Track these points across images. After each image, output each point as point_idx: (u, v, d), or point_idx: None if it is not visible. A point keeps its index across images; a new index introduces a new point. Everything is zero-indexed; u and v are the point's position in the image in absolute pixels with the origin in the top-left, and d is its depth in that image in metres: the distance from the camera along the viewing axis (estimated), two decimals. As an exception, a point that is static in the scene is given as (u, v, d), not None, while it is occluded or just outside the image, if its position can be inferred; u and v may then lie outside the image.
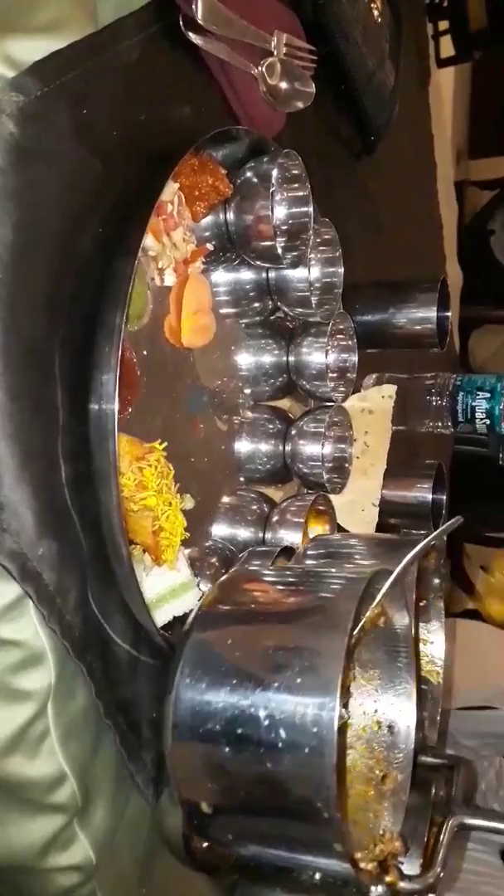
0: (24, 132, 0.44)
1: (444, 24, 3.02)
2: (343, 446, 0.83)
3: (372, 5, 0.90)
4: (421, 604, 0.70)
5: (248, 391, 0.80)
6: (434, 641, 0.74)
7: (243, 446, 0.79)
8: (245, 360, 0.80)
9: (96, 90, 0.49)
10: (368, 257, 1.02)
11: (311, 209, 0.69)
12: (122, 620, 0.55)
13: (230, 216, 0.67)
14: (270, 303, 0.77)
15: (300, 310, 0.76)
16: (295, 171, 0.68)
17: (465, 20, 2.84)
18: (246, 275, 0.74)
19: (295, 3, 0.78)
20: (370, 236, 1.05)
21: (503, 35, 2.88)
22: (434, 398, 1.02)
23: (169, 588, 0.57)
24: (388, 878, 0.52)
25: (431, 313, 0.91)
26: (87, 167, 0.49)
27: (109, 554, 0.52)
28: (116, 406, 0.48)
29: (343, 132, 0.95)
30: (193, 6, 0.55)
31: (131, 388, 0.55)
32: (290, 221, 0.70)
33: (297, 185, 0.69)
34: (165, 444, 0.55)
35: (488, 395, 0.97)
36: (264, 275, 0.75)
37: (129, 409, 0.55)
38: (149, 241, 0.55)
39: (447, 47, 3.08)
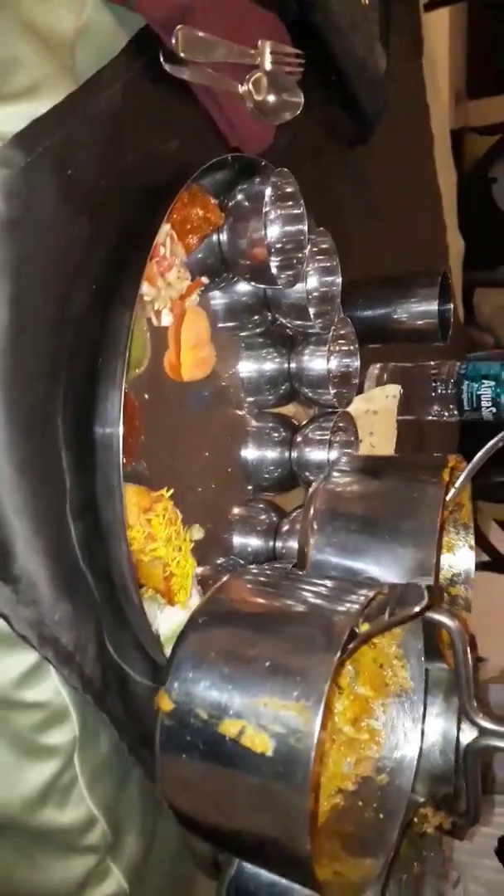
0: (10, 206, 0.44)
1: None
2: (349, 451, 0.84)
3: (359, -12, 0.87)
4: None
5: (251, 399, 0.80)
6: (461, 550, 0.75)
7: (250, 454, 0.79)
8: (246, 369, 0.80)
9: (81, 147, 0.49)
10: (368, 247, 1.01)
11: (305, 226, 0.68)
12: (140, 657, 0.56)
13: (223, 240, 0.66)
14: (269, 315, 0.77)
15: (299, 322, 0.76)
16: (288, 189, 0.67)
17: (459, -42, 2.73)
18: (242, 291, 0.74)
19: (279, 3, 0.76)
20: (369, 225, 1.04)
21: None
22: (439, 386, 1.02)
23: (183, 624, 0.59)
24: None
25: (433, 307, 0.90)
26: (76, 228, 0.49)
27: (122, 601, 0.53)
28: (121, 461, 0.49)
29: (336, 124, 0.93)
30: (173, 39, 0.54)
31: (134, 437, 0.56)
32: (285, 240, 0.69)
33: (290, 203, 0.68)
34: (172, 490, 0.56)
35: (493, 382, 0.97)
36: (261, 290, 0.74)
37: (133, 458, 0.56)
38: (144, 287, 0.55)
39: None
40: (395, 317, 0.92)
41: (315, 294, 0.78)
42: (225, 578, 0.53)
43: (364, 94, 0.92)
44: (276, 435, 0.81)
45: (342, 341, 0.83)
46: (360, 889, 0.48)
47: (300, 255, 0.69)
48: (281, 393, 0.82)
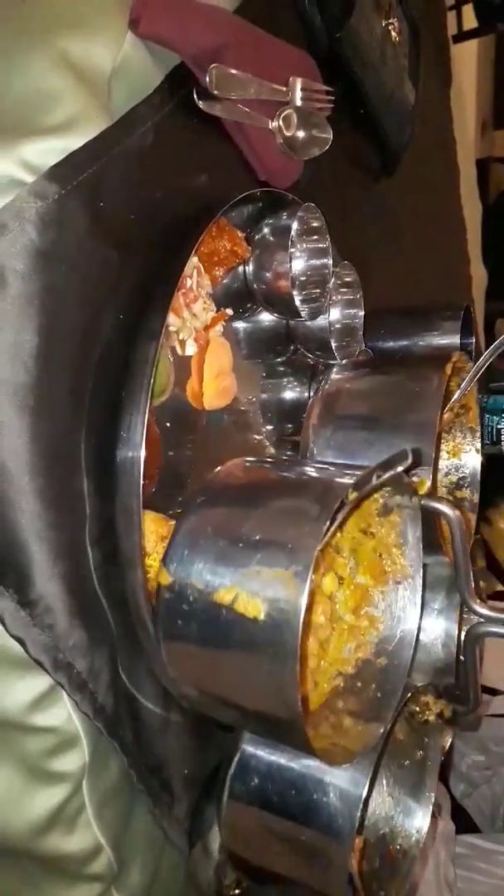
0: (43, 237, 0.45)
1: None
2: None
3: (389, 27, 0.88)
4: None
5: (270, 427, 0.80)
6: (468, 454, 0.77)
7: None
8: (267, 397, 0.80)
9: (112, 182, 0.49)
10: (391, 278, 1.02)
11: (330, 260, 0.69)
12: (152, 686, 0.56)
13: (249, 272, 0.67)
14: (291, 345, 0.78)
15: (320, 352, 0.76)
16: (314, 224, 0.68)
17: (488, -9, 2.75)
18: (265, 321, 0.75)
19: (309, 39, 0.77)
20: (392, 256, 1.04)
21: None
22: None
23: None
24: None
25: (455, 341, 0.90)
26: (105, 260, 0.49)
27: (136, 629, 0.53)
28: (141, 486, 0.49)
29: (362, 156, 0.94)
30: (207, 78, 0.55)
31: (154, 464, 0.56)
32: (309, 274, 0.69)
33: (316, 237, 0.69)
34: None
35: (513, 417, 0.96)
36: (283, 321, 0.75)
37: (152, 485, 0.56)
38: (170, 318, 0.56)
39: (470, 18, 2.99)
40: (417, 349, 0.92)
41: (337, 326, 0.79)
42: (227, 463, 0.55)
43: (391, 127, 0.93)
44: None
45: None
46: (358, 755, 0.50)
47: (324, 288, 0.70)
48: (300, 422, 0.82)
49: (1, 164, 0.44)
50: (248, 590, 0.44)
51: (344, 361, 0.74)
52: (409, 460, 0.47)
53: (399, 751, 0.67)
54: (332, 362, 0.79)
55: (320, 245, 0.68)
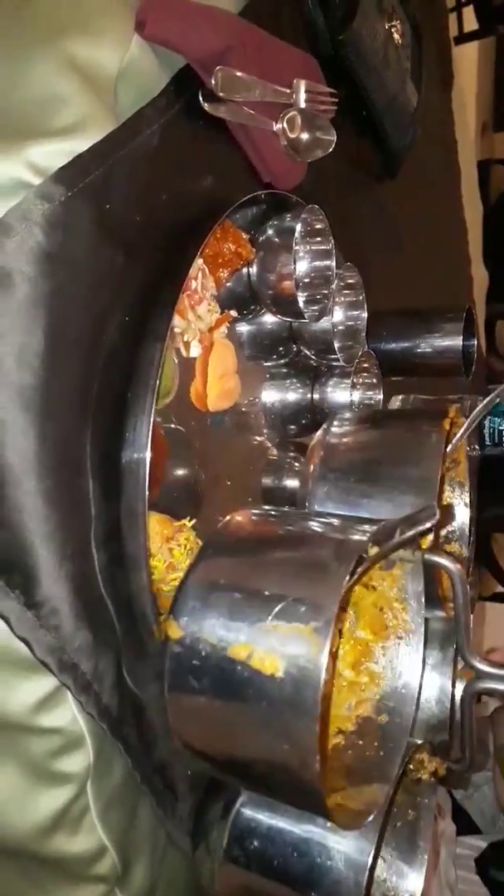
0: (49, 239, 0.45)
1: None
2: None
3: (392, 29, 0.88)
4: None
5: (273, 429, 0.81)
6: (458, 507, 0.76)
7: (270, 483, 0.80)
8: (270, 399, 0.80)
9: (118, 184, 0.50)
10: (393, 280, 1.02)
11: (333, 262, 0.69)
12: (157, 688, 0.56)
13: (253, 274, 0.67)
14: (294, 347, 0.78)
15: (323, 354, 0.77)
16: (318, 226, 0.68)
17: (489, -6, 2.75)
18: (269, 322, 0.75)
19: (312, 41, 0.78)
20: (394, 257, 1.04)
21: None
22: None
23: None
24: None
25: (457, 342, 0.90)
26: (111, 262, 0.50)
27: (141, 630, 0.53)
28: (147, 487, 0.49)
29: (364, 158, 0.94)
30: (213, 80, 0.55)
31: (159, 465, 0.56)
32: (313, 275, 0.70)
33: (319, 239, 0.69)
34: (194, 520, 0.56)
35: (515, 419, 0.97)
36: (286, 322, 0.75)
37: (157, 486, 0.56)
38: (175, 320, 0.56)
39: (470, 20, 2.99)
40: (419, 351, 0.92)
41: (340, 328, 0.79)
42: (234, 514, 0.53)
43: (392, 129, 0.93)
44: (297, 465, 0.81)
45: (365, 374, 0.84)
46: (364, 815, 0.48)
47: (327, 290, 0.70)
48: (303, 423, 0.83)
49: (8, 167, 0.44)
50: (265, 646, 0.42)
51: (346, 415, 0.73)
52: (437, 517, 0.46)
53: (392, 811, 0.64)
54: (335, 364, 0.79)
55: (324, 247, 0.69)
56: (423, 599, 0.55)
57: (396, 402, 1.04)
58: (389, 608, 0.56)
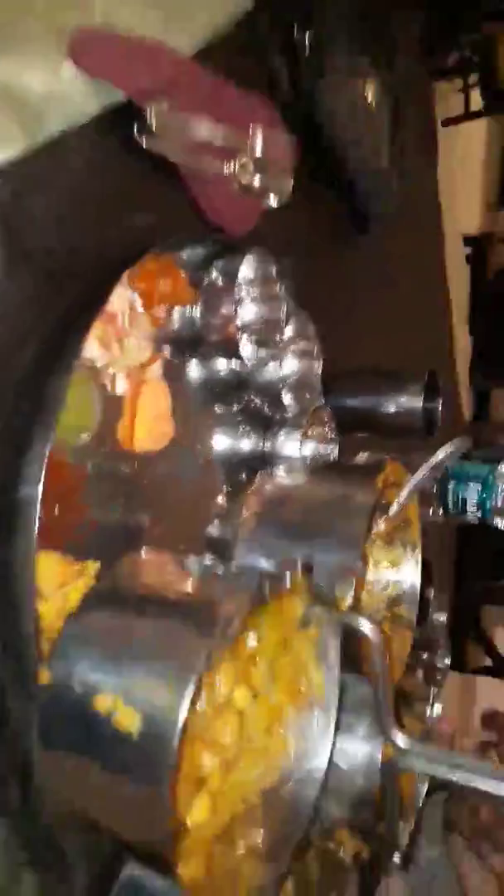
0: (-50, 257, 0.43)
1: (475, 78, 3.04)
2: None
3: (366, 90, 0.89)
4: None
5: (222, 478, 0.77)
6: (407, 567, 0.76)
7: (215, 532, 0.76)
8: (220, 445, 0.77)
9: (35, 208, 0.48)
10: (363, 340, 1.00)
11: (283, 308, 0.67)
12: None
13: (196, 315, 0.65)
14: (245, 396, 0.75)
15: (273, 404, 0.74)
16: (266, 269, 0.67)
17: (493, 77, 2.85)
18: (219, 367, 0.73)
19: (277, 94, 0.78)
20: (365, 318, 1.03)
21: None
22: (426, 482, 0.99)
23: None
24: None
25: (417, 404, 0.88)
26: (23, 290, 0.48)
27: (27, 679, 0.49)
28: (35, 529, 0.46)
29: (333, 215, 0.94)
30: (147, 115, 0.54)
31: (76, 509, 0.53)
32: (260, 323, 0.68)
33: (267, 285, 0.67)
34: (98, 564, 0.53)
35: (479, 485, 0.94)
36: (237, 368, 0.73)
37: (66, 528, 0.53)
38: (95, 351, 0.54)
39: (478, 99, 3.08)
40: (382, 409, 0.90)
41: (293, 378, 0.77)
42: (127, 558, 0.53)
43: (365, 193, 0.93)
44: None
45: (320, 428, 0.81)
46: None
47: (275, 336, 0.68)
48: (255, 472, 0.80)
49: None
50: (127, 698, 0.41)
51: (286, 467, 0.73)
52: (298, 570, 0.48)
53: (310, 892, 0.61)
54: (287, 415, 0.77)
55: (270, 291, 0.67)
56: (338, 663, 0.52)
57: (362, 459, 1.01)
58: (304, 671, 0.53)
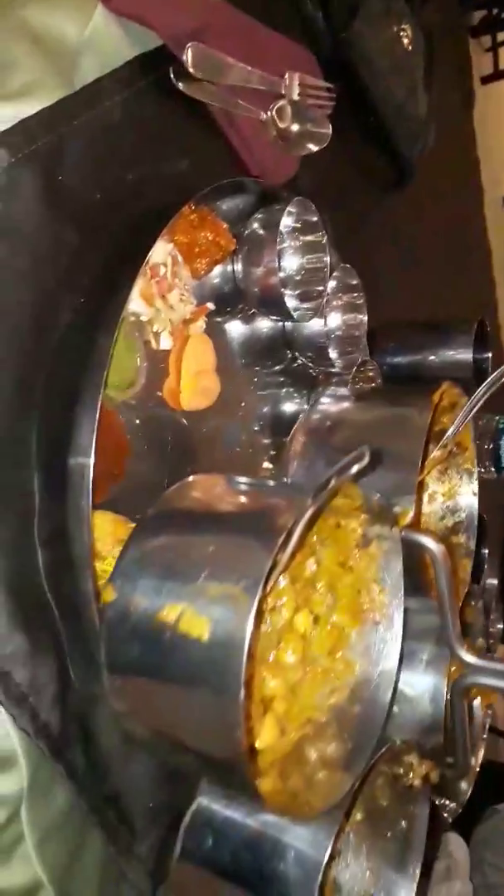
0: (-9, 207, 0.42)
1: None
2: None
3: (401, 33, 0.86)
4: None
5: (267, 441, 0.76)
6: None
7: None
8: (262, 407, 0.76)
9: (73, 156, 0.47)
10: (404, 293, 0.98)
11: (327, 259, 0.65)
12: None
13: (238, 269, 0.63)
14: (289, 353, 0.74)
15: (318, 360, 0.72)
16: (309, 219, 0.64)
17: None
18: (261, 326, 0.71)
19: (311, 38, 0.75)
20: (406, 270, 1.00)
21: None
22: (477, 441, 0.96)
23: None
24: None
25: (468, 356, 0.85)
26: (60, 238, 0.46)
27: (90, 640, 0.48)
28: (91, 487, 0.45)
29: (372, 166, 0.91)
30: (184, 56, 0.52)
31: (119, 462, 0.52)
32: (303, 272, 0.66)
33: (310, 233, 0.65)
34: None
35: (532, 440, 0.91)
36: (280, 325, 0.71)
37: (114, 486, 0.52)
38: (139, 306, 0.52)
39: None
40: (428, 364, 0.87)
41: (338, 333, 0.75)
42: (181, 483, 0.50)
43: (401, 138, 0.90)
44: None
45: (366, 384, 0.79)
46: (320, 810, 0.45)
47: (320, 288, 0.66)
48: (298, 435, 0.78)
49: None
50: (195, 607, 0.40)
51: (333, 388, 0.70)
52: (367, 459, 0.43)
53: (381, 819, 0.60)
54: (332, 371, 0.75)
55: (315, 241, 0.65)
56: (402, 581, 0.51)
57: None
58: (367, 590, 0.52)
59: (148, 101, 0.52)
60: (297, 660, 0.49)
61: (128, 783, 0.52)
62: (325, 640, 0.50)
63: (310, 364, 0.74)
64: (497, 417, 0.96)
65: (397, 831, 0.60)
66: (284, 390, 0.77)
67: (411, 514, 0.54)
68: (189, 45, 0.52)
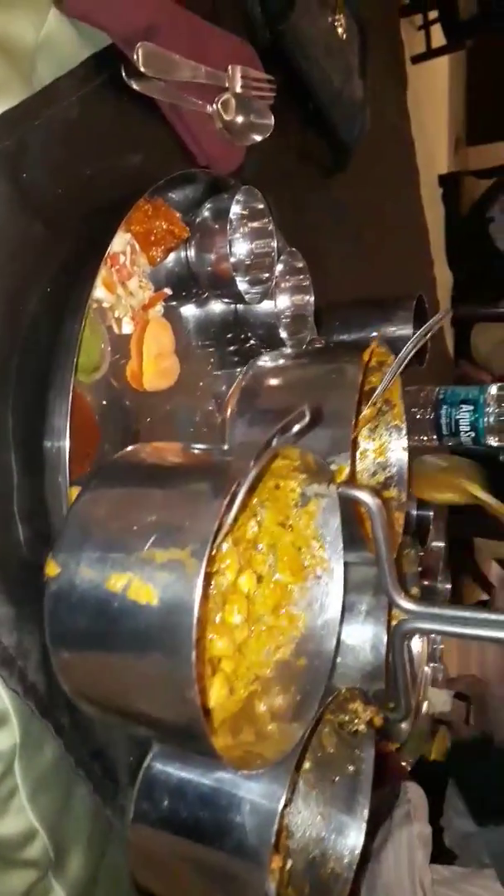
0: (-41, 204, 0.45)
1: (434, 14, 3.00)
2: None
3: (336, 23, 0.89)
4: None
5: (220, 417, 0.80)
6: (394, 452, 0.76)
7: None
8: (218, 385, 0.80)
9: (34, 153, 0.49)
10: (347, 273, 1.02)
11: (274, 244, 0.69)
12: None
13: (191, 256, 0.67)
14: (241, 334, 0.77)
15: (270, 340, 0.76)
16: (256, 206, 0.68)
17: (454, 9, 2.81)
18: (215, 309, 0.75)
19: (251, 32, 0.78)
20: (348, 252, 1.05)
21: (494, 23, 2.84)
22: (418, 411, 1.02)
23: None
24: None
25: (408, 331, 0.90)
26: (29, 232, 0.49)
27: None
28: (67, 466, 0.49)
29: (312, 152, 0.95)
30: (134, 56, 0.55)
31: (90, 442, 0.56)
32: (253, 257, 0.70)
33: (258, 220, 0.69)
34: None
35: (471, 407, 0.96)
36: (233, 307, 0.75)
37: (88, 461, 0.55)
38: (101, 293, 0.56)
39: (439, 36, 3.05)
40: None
41: (287, 314, 0.79)
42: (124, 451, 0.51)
43: (340, 123, 0.94)
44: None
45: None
46: (273, 760, 0.47)
47: (269, 272, 0.70)
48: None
49: None
50: (142, 575, 0.40)
51: (268, 354, 0.73)
52: (307, 419, 0.45)
53: (329, 765, 0.64)
54: (283, 351, 0.79)
55: (262, 227, 0.69)
56: (340, 535, 0.54)
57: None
58: (307, 547, 0.55)
59: (102, 99, 0.55)
60: (242, 619, 0.51)
61: (109, 740, 0.56)
62: (269, 598, 0.53)
63: (262, 344, 0.78)
64: (437, 388, 1.01)
65: (345, 776, 0.63)
66: (239, 369, 0.81)
67: (347, 470, 0.55)
68: (139, 44, 0.55)
